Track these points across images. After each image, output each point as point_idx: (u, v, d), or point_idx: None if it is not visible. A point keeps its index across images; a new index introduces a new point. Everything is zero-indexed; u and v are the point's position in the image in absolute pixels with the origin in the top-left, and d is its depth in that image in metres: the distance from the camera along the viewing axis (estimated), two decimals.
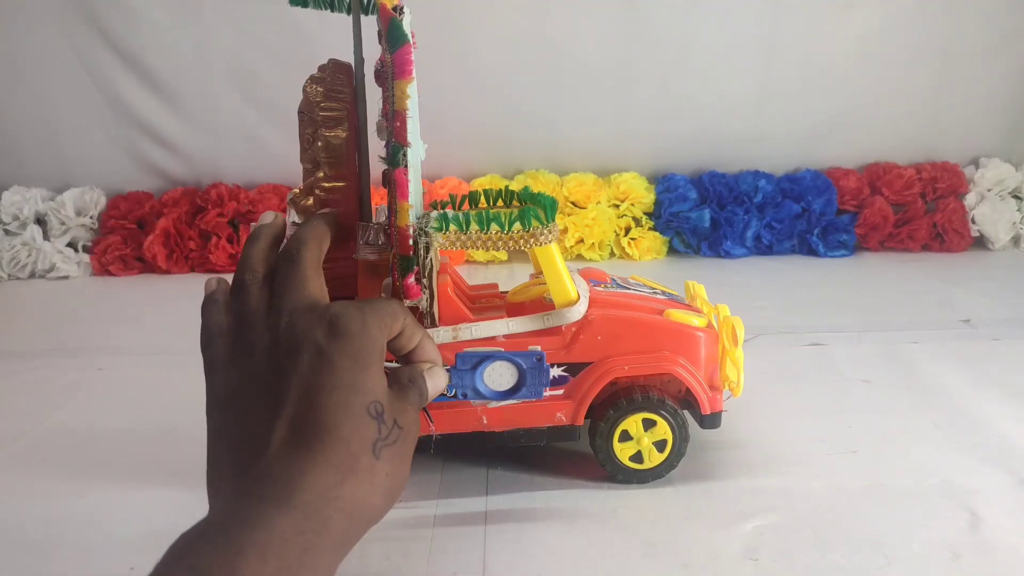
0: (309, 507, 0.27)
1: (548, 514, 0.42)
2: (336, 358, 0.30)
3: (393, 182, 0.36)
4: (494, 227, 0.39)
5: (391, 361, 0.35)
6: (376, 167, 0.39)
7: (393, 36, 0.34)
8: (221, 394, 0.32)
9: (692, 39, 1.06)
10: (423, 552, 0.38)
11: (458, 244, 0.39)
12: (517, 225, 0.39)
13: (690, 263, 1.06)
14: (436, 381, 0.36)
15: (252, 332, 0.32)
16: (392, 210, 0.37)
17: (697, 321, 0.44)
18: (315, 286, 0.33)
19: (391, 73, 0.35)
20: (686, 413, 0.44)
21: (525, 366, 0.41)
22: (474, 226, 0.39)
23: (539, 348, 0.41)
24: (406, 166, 0.36)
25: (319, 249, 0.35)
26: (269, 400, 0.30)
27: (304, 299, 0.32)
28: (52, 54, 1.03)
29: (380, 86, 0.36)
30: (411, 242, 0.37)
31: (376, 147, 0.38)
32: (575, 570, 0.37)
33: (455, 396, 0.41)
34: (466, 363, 0.41)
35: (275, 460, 0.28)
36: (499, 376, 0.41)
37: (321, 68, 0.39)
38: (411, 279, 0.38)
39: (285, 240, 0.36)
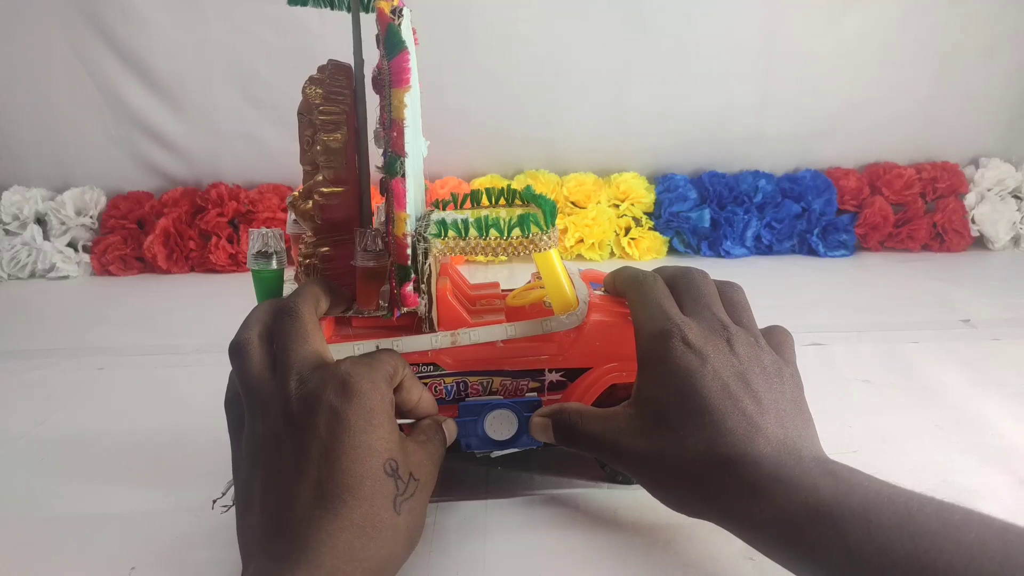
0: (337, 571, 0.28)
1: (548, 514, 0.41)
2: (352, 418, 0.30)
3: (390, 191, 0.36)
4: (493, 233, 0.38)
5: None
6: (376, 171, 0.38)
7: (391, 43, 0.34)
8: (242, 458, 0.33)
9: (692, 39, 1.06)
10: (423, 552, 0.38)
11: (456, 250, 0.39)
12: (516, 231, 0.38)
13: (690, 263, 1.05)
14: (450, 431, 0.39)
15: (261, 392, 0.32)
16: (390, 219, 0.37)
17: None
18: (317, 340, 0.34)
19: (388, 81, 0.35)
20: None
21: (525, 414, 0.41)
22: (472, 232, 0.38)
23: (536, 395, 0.42)
24: (403, 176, 0.36)
25: (316, 304, 0.35)
26: (291, 462, 0.30)
27: (310, 356, 0.32)
28: (52, 54, 1.03)
29: (378, 93, 0.36)
30: (408, 251, 0.37)
31: (376, 151, 0.38)
32: (575, 570, 0.37)
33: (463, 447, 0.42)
34: (470, 413, 0.41)
35: (303, 524, 0.29)
36: (499, 425, 0.41)
37: (320, 69, 0.38)
38: (408, 287, 0.38)
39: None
